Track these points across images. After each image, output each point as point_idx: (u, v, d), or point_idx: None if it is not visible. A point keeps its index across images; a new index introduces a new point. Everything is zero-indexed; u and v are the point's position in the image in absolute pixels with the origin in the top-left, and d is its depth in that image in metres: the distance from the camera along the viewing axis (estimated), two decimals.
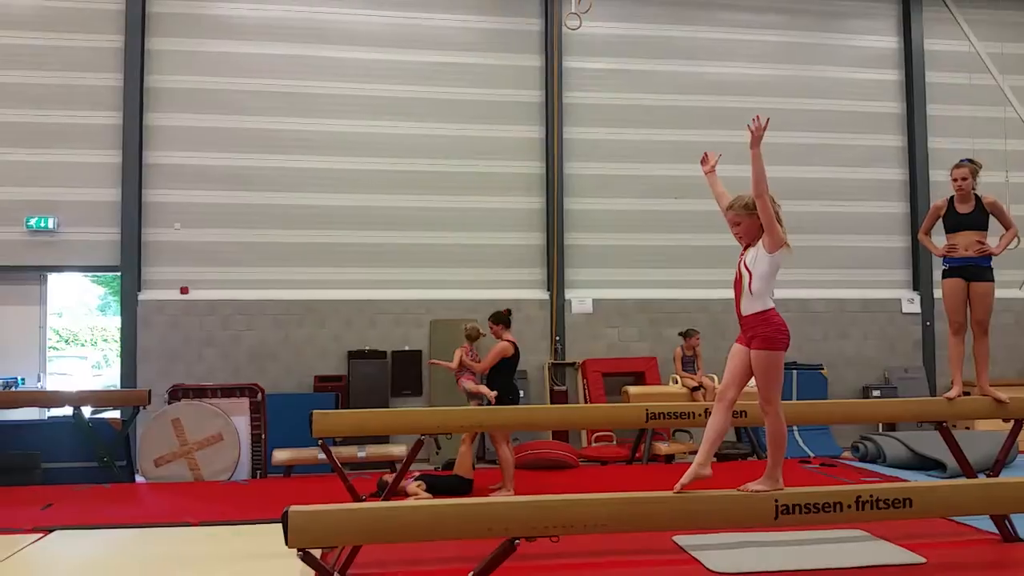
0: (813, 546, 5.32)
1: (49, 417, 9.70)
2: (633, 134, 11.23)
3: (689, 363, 9.29)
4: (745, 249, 4.21)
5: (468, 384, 7.50)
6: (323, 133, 10.62)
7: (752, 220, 4.07)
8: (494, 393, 7.25)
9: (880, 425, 9.99)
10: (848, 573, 4.80)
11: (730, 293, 11.72)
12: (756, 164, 3.95)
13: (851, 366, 11.48)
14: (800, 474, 8.19)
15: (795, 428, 10.22)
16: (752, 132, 3.96)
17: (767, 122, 4.02)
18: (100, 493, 7.54)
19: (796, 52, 11.74)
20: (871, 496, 3.89)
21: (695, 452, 7.41)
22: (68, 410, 8.53)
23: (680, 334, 9.55)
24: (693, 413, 5.75)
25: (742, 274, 4.12)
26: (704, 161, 4.71)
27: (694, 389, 8.82)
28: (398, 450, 8.59)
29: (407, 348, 10.51)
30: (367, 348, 10.39)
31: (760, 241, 4.11)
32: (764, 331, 4.05)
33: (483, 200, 10.88)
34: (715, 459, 8.99)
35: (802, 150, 11.57)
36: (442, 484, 7.24)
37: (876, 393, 10.98)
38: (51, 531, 5.83)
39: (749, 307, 4.11)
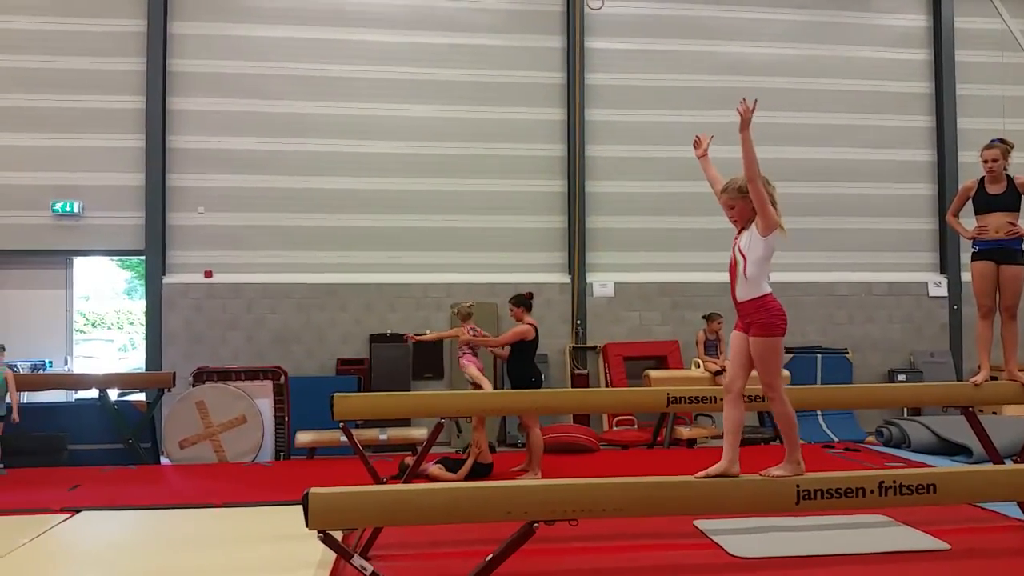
0: (835, 531, 5.29)
1: (76, 399, 9.84)
2: (656, 115, 11.11)
3: (712, 347, 9.23)
4: (739, 233, 4.15)
5: (472, 371, 7.48)
6: (344, 116, 10.61)
7: (745, 203, 4.05)
8: (490, 386, 7.28)
9: (905, 410, 9.90)
10: (871, 558, 4.76)
11: None
12: (746, 147, 3.91)
13: (876, 350, 11.35)
14: (823, 459, 8.12)
15: (818, 412, 10.16)
16: (741, 115, 3.89)
17: (755, 104, 3.94)
18: (126, 474, 7.66)
19: (821, 31, 11.53)
20: (894, 482, 3.85)
21: (717, 436, 7.38)
22: (94, 392, 8.66)
23: (703, 317, 9.48)
24: (715, 397, 5.72)
25: (737, 259, 4.07)
26: (696, 144, 4.70)
27: (716, 373, 8.76)
28: (419, 433, 8.64)
29: (428, 332, 10.52)
30: (388, 332, 10.42)
31: (753, 224, 4.05)
32: (761, 317, 4.00)
33: (504, 183, 10.83)
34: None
35: (827, 131, 11.41)
36: (461, 468, 7.25)
37: (901, 377, 10.86)
38: (78, 512, 5.92)
39: (745, 293, 4.05)
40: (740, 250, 4.06)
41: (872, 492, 3.83)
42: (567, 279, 10.91)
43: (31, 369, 9.85)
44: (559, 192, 10.96)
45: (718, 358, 9.12)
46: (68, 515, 5.82)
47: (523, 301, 7.48)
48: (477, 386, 7.34)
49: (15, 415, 7.50)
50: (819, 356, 10.73)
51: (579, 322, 10.84)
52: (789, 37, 11.46)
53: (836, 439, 9.61)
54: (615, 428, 9.92)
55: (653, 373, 9.00)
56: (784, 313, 4.07)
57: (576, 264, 10.83)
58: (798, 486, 3.81)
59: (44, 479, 7.24)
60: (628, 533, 5.19)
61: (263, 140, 10.45)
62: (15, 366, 9.65)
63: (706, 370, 8.93)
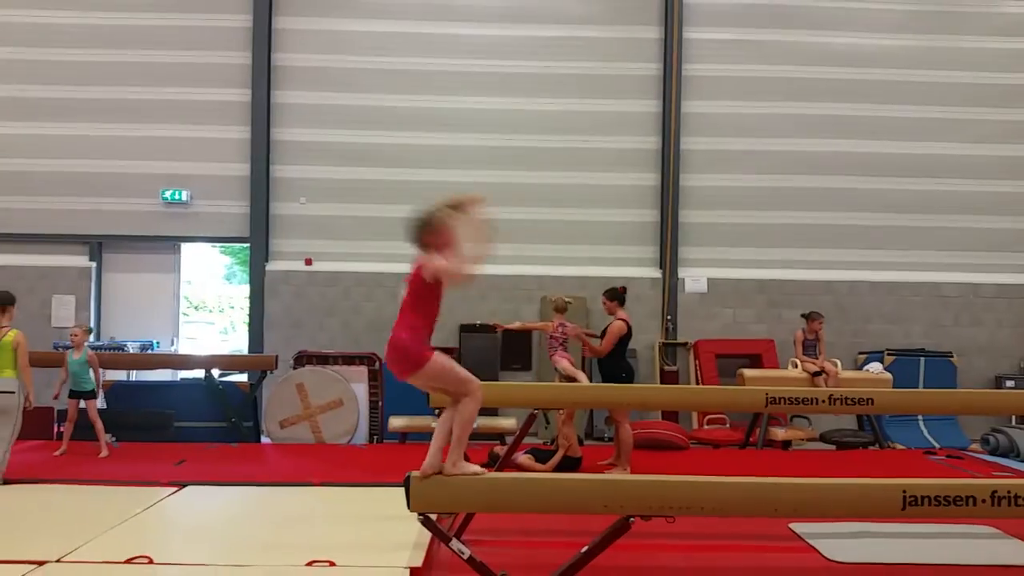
0: (938, 540, 5.09)
1: (181, 379, 10.31)
2: (754, 107, 10.86)
3: (811, 347, 8.97)
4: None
5: (564, 364, 7.45)
6: (438, 110, 10.76)
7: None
8: (586, 379, 7.24)
9: (1014, 417, 9.41)
10: (978, 571, 4.56)
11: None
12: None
13: (983, 354, 10.83)
14: (925, 465, 7.82)
15: (920, 417, 9.77)
16: None
17: None
18: (228, 452, 7.98)
19: (926, 21, 11.01)
20: (1008, 492, 3.67)
21: (813, 439, 7.17)
22: (199, 372, 9.05)
23: (803, 316, 9.22)
24: (816, 399, 5.55)
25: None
26: None
27: (815, 374, 8.52)
28: (507, 423, 8.70)
29: (517, 323, 10.57)
30: (478, 322, 10.52)
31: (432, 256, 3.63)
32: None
33: (596, 176, 10.79)
34: (834, 447, 8.78)
35: (931, 125, 10.92)
36: (550, 460, 7.27)
37: (1010, 384, 10.36)
38: (185, 486, 6.21)
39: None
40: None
41: (984, 501, 3.66)
42: (658, 274, 10.79)
43: (140, 349, 10.35)
44: (652, 185, 10.83)
45: (817, 358, 8.87)
46: (175, 488, 6.11)
47: (617, 295, 7.43)
48: (569, 380, 7.32)
49: (99, 392, 7.85)
50: (922, 359, 10.32)
51: (669, 318, 10.72)
52: (891, 28, 11.01)
53: (938, 445, 9.23)
54: (706, 426, 9.76)
55: (747, 372, 8.82)
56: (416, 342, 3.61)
57: (668, 259, 10.70)
58: (904, 491, 3.67)
59: (152, 453, 7.61)
60: (722, 533, 5.11)
61: (361, 133, 10.70)
62: (125, 346, 10.19)
63: (804, 370, 8.70)
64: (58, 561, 4.28)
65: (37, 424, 7.67)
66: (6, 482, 6.18)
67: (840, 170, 10.83)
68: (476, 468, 3.51)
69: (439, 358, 3.53)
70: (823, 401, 5.59)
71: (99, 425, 7.58)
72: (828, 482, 3.58)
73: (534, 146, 10.76)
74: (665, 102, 10.75)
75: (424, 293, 3.60)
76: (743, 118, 10.85)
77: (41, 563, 4.21)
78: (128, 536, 4.76)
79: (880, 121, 10.78)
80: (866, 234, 10.87)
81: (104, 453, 7.49)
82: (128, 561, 4.24)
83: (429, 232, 3.63)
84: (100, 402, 8.08)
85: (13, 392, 6.22)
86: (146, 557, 4.28)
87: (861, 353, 10.55)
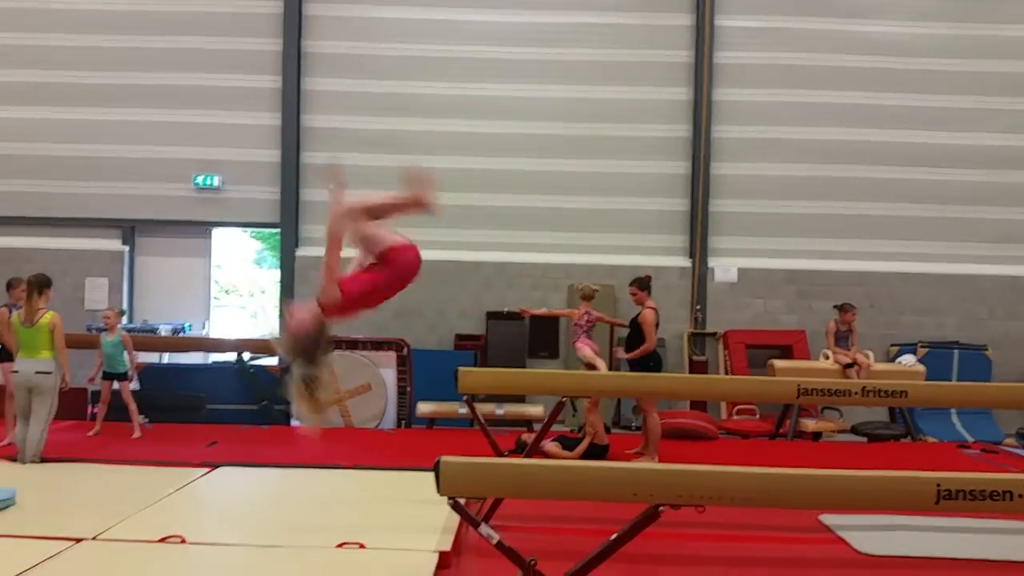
0: (972, 535, 5.02)
1: (213, 362, 10.43)
2: (787, 95, 10.69)
3: (843, 338, 8.88)
4: None
5: (587, 352, 7.44)
6: (466, 96, 10.72)
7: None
8: (605, 367, 7.23)
9: None
10: (1014, 567, 4.50)
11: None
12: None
13: (1019, 348, 10.60)
14: (959, 459, 7.73)
15: (953, 410, 9.64)
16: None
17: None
18: (259, 434, 8.07)
19: (962, 8, 10.74)
20: None
21: (844, 431, 7.12)
22: (230, 356, 9.15)
23: (835, 307, 9.11)
24: (848, 391, 5.49)
25: None
26: None
27: (847, 366, 8.43)
28: (534, 410, 8.73)
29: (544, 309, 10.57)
30: (505, 310, 10.52)
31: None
32: None
33: (625, 164, 10.70)
34: (865, 439, 8.69)
35: (967, 114, 10.66)
36: (577, 447, 7.27)
37: None
38: (216, 467, 6.30)
39: None
40: None
41: (1021, 496, 3.59)
42: (688, 263, 10.71)
43: (172, 332, 10.48)
44: (682, 174, 10.73)
45: (849, 350, 8.78)
46: (208, 469, 6.20)
47: (646, 284, 7.41)
48: (591, 367, 7.32)
49: (132, 373, 7.95)
50: (956, 352, 10.16)
51: (699, 307, 10.64)
52: (929, 15, 10.73)
53: (972, 439, 9.10)
54: (735, 417, 9.70)
55: (778, 363, 8.75)
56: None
57: (698, 248, 10.61)
58: (939, 485, 3.61)
59: (185, 435, 7.72)
60: (751, 524, 5.09)
61: (389, 119, 10.70)
62: (157, 329, 10.32)
63: (836, 362, 8.61)
64: (94, 539, 4.36)
65: (72, 405, 7.81)
66: (44, 460, 6.31)
67: (874, 159, 10.65)
68: None
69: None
70: (856, 393, 5.52)
71: (132, 406, 7.70)
72: (861, 474, 3.53)
73: (563, 133, 10.70)
74: (697, 90, 10.64)
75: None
76: (775, 106, 10.69)
77: (78, 540, 4.29)
78: (161, 515, 4.84)
79: (915, 110, 10.59)
80: (900, 225, 10.69)
81: (137, 434, 7.61)
82: (162, 540, 4.31)
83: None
84: (134, 384, 8.20)
85: (50, 373, 6.34)
86: (179, 536, 4.35)
87: (893, 345, 10.41)
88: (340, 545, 4.34)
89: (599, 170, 10.68)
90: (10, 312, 7.06)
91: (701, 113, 10.56)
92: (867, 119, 10.67)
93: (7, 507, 4.87)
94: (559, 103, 10.70)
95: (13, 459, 6.28)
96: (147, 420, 8.07)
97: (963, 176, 10.69)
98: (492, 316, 10.55)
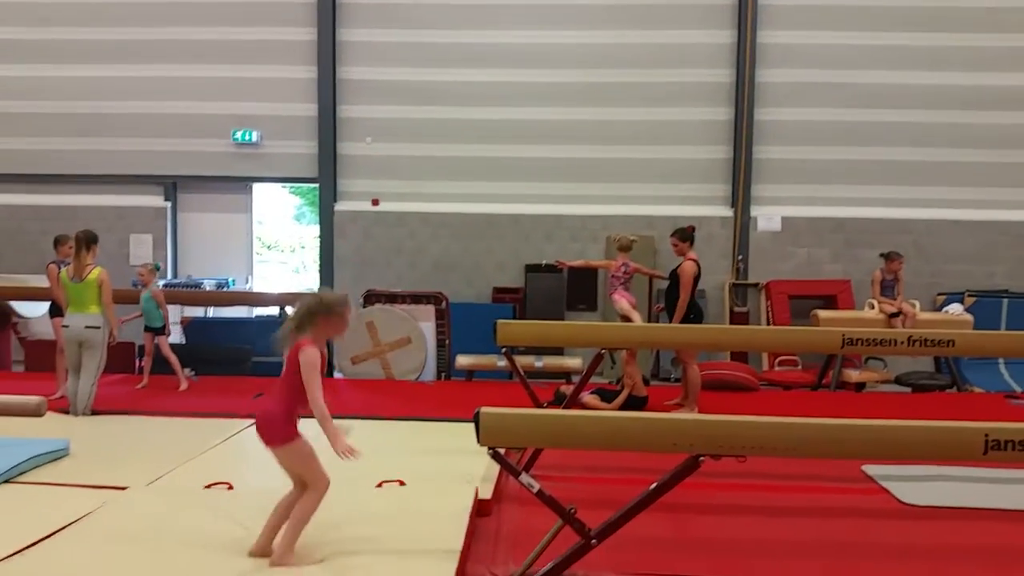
0: (1018, 486, 4.92)
1: (256, 315, 10.59)
2: (833, 38, 10.35)
3: (889, 288, 8.70)
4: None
5: (623, 304, 7.38)
6: (503, 44, 10.57)
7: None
8: (641, 320, 7.16)
9: None
10: None
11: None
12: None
13: None
14: (1007, 409, 7.58)
15: (1000, 360, 9.44)
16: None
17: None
18: None
19: None
20: None
21: (888, 381, 6.96)
22: (273, 309, 9.27)
23: (881, 256, 8.91)
24: (894, 340, 5.37)
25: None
26: None
27: (893, 315, 8.27)
28: (573, 362, 8.74)
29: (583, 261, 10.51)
30: (543, 262, 10.48)
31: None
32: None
33: (666, 111, 10.50)
34: (910, 390, 8.56)
35: (1020, 54, 10.25)
36: (616, 399, 7.26)
37: None
38: None
39: None
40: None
41: None
42: (729, 212, 10.53)
43: (216, 287, 10.65)
44: (725, 120, 10.50)
45: (895, 299, 8.60)
46: (253, 420, 6.30)
47: (687, 235, 7.27)
48: (627, 320, 7.28)
49: (168, 328, 8.06)
50: (1005, 300, 9.95)
51: (740, 257, 10.49)
52: None
53: (1020, 389, 8.91)
54: (777, 368, 9.60)
55: (822, 313, 8.63)
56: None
57: (740, 197, 10.42)
58: (987, 435, 3.53)
59: (230, 387, 7.87)
60: (792, 474, 5.05)
61: (425, 70, 10.61)
62: (202, 283, 10.50)
63: (881, 311, 8.44)
64: (145, 487, 4.48)
65: (120, 358, 7.98)
66: (94, 413, 6.48)
67: (922, 103, 10.30)
68: (303, 561, 3.41)
69: (302, 443, 3.49)
70: (902, 343, 5.41)
71: (173, 359, 7.81)
72: (907, 424, 3.46)
73: (602, 81, 10.51)
74: (740, 33, 10.33)
75: (299, 378, 3.45)
76: (822, 49, 10.36)
77: (126, 488, 4.42)
78: (209, 464, 4.96)
79: (964, 51, 10.19)
80: (948, 170, 10.37)
81: (183, 386, 7.76)
82: (209, 487, 4.42)
83: (319, 317, 3.47)
84: (179, 337, 8.35)
85: (99, 327, 6.48)
86: (226, 483, 4.45)
87: (940, 294, 10.18)
88: (380, 484, 4.41)
89: (639, 118, 10.51)
90: (59, 268, 7.20)
91: (745, 57, 10.28)
92: (915, 61, 10.30)
93: (62, 457, 5.02)
94: (598, 49, 10.50)
95: (65, 411, 6.46)
96: (194, 373, 8.23)
97: (1015, 119, 10.31)
98: (530, 269, 10.53)
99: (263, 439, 3.51)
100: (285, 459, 3.51)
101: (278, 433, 3.47)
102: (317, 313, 3.47)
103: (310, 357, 3.40)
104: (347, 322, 3.55)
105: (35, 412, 3.22)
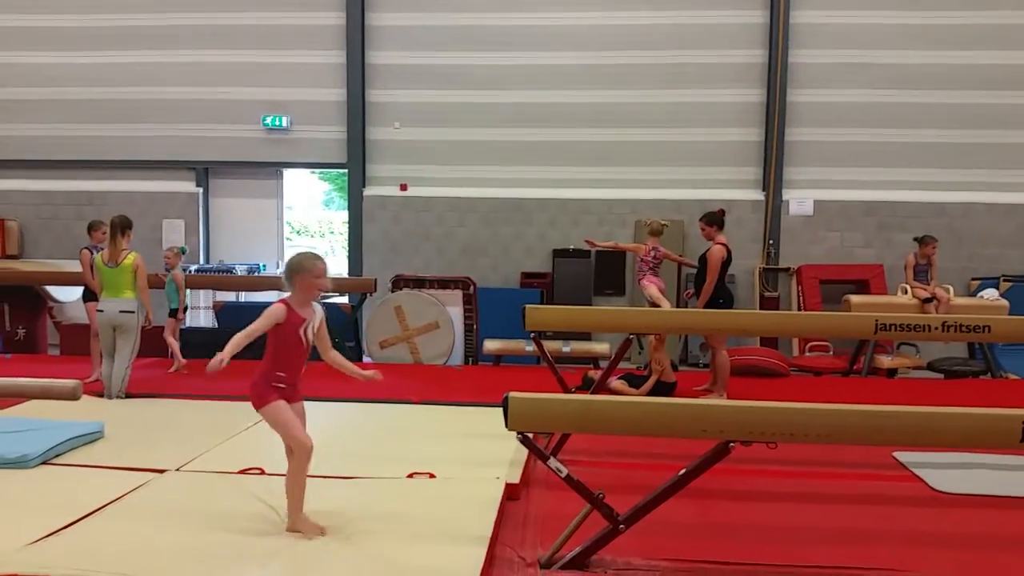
0: None
1: None
2: (868, 17, 10.16)
3: (922, 272, 8.55)
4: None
5: (652, 291, 7.32)
6: (533, 27, 10.51)
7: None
8: (669, 306, 7.10)
9: None
10: None
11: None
12: None
13: None
14: None
15: None
16: None
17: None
18: (331, 370, 8.17)
19: None
20: None
21: (920, 367, 6.84)
22: None
23: (915, 240, 8.76)
24: (928, 326, 5.29)
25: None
26: None
27: (926, 300, 8.14)
28: (600, 347, 8.71)
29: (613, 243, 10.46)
30: (571, 247, 10.45)
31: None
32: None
33: (696, 93, 10.38)
34: (943, 376, 8.43)
35: None
36: (644, 385, 7.23)
37: None
38: None
39: None
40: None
41: None
42: (760, 196, 10.42)
43: (247, 272, 10.75)
44: (756, 102, 10.36)
45: (928, 284, 8.46)
46: None
47: (716, 219, 7.18)
48: (655, 306, 7.23)
49: (180, 314, 8.08)
50: None
51: (771, 242, 10.37)
52: None
53: None
54: (807, 354, 9.51)
55: (854, 298, 8.50)
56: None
57: (772, 180, 10.29)
58: None
59: None
60: (822, 460, 5.01)
61: (454, 54, 10.59)
62: (233, 268, 10.59)
63: (914, 296, 8.31)
64: (177, 470, 4.55)
65: (154, 342, 8.08)
66: (128, 396, 6.58)
67: (958, 83, 10.08)
68: (316, 527, 3.55)
69: (276, 408, 3.54)
70: (936, 328, 5.33)
71: (172, 342, 7.80)
72: (942, 411, 3.41)
73: (631, 63, 10.42)
74: (772, 12, 10.17)
75: (274, 337, 3.56)
76: (856, 28, 10.17)
77: (162, 471, 4.49)
78: (241, 448, 5.01)
79: (1001, 30, 9.95)
80: (984, 152, 10.15)
81: (174, 368, 7.72)
82: (242, 472, 4.47)
83: (295, 277, 3.59)
84: (211, 322, 8.42)
85: (133, 312, 6.56)
86: (259, 468, 4.50)
87: (975, 279, 10.00)
88: (410, 475, 4.43)
89: (669, 100, 10.41)
90: (92, 254, 7.30)
91: (778, 37, 10.12)
92: (954, 40, 10.08)
93: (97, 439, 5.11)
94: (628, 30, 10.40)
95: (100, 395, 6.56)
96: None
97: None
98: (558, 254, 10.50)
99: (252, 403, 3.61)
100: (268, 421, 3.60)
101: (257, 395, 3.58)
102: (293, 273, 3.59)
103: (271, 308, 3.54)
104: (319, 278, 3.58)
105: (71, 396, 3.28)
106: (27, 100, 11.12)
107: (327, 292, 3.56)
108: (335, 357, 3.83)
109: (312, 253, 3.75)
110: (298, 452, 3.57)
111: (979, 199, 10.17)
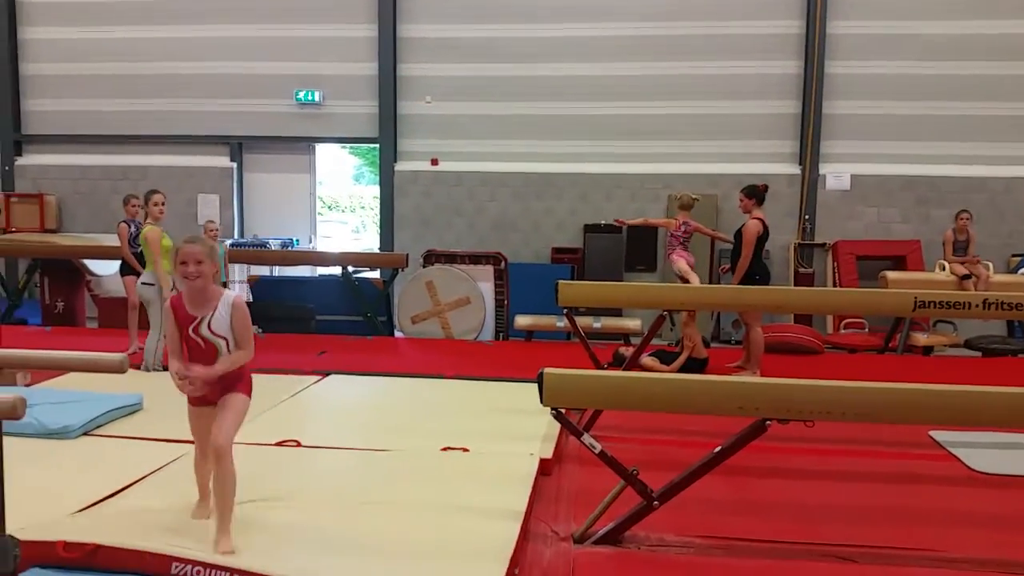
0: None
1: (319, 275, 10.77)
2: None
3: (961, 248, 8.40)
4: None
5: (681, 265, 7.27)
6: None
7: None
8: (698, 281, 7.04)
9: None
10: None
11: (1014, 171, 10.35)
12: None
13: None
14: None
15: None
16: None
17: None
18: (365, 344, 8.34)
19: None
20: None
21: (956, 345, 6.71)
22: (335, 269, 9.40)
23: (957, 215, 8.59)
24: (968, 303, 5.21)
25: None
26: None
27: (964, 277, 8.00)
28: (632, 323, 8.69)
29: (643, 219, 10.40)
30: (603, 222, 10.38)
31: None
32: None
33: (731, 65, 10.20)
34: (980, 354, 8.30)
35: None
36: (675, 361, 7.20)
37: None
38: (327, 374, 6.56)
39: None
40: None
41: None
42: (796, 170, 10.26)
43: (281, 246, 10.85)
44: (793, 74, 10.17)
45: (967, 260, 8.32)
46: (319, 377, 6.46)
47: (756, 193, 7.05)
48: (685, 281, 7.18)
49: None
50: None
51: (807, 217, 10.22)
52: None
53: None
54: (842, 331, 9.40)
55: (891, 274, 8.39)
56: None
57: (808, 153, 10.11)
58: None
59: (296, 345, 8.04)
60: (859, 438, 4.97)
61: (486, 27, 10.50)
62: (267, 243, 10.68)
63: (953, 273, 8.17)
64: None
65: None
66: (164, 368, 6.67)
67: (1000, 56, 9.79)
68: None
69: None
70: (976, 305, 5.25)
71: None
72: (981, 389, 3.36)
73: (665, 34, 10.25)
74: None
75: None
76: None
77: None
78: (277, 420, 5.09)
79: None
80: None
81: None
82: (279, 444, 4.54)
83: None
84: (246, 295, 8.52)
85: (152, 284, 6.63)
86: (295, 441, 4.57)
87: (1015, 255, 9.78)
88: (444, 449, 4.47)
89: (704, 72, 10.25)
90: (129, 227, 7.41)
91: (816, 8, 9.89)
92: (994, 10, 9.79)
93: (136, 411, 5.21)
94: (661, 1, 10.23)
95: (138, 367, 6.68)
96: (260, 330, 8.41)
97: None
98: (589, 229, 10.45)
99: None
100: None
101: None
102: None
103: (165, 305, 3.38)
104: (182, 263, 3.14)
105: (118, 369, 3.32)
106: (64, 76, 11.25)
107: (191, 277, 3.12)
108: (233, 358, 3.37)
109: (188, 236, 3.29)
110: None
111: (1021, 173, 9.92)
